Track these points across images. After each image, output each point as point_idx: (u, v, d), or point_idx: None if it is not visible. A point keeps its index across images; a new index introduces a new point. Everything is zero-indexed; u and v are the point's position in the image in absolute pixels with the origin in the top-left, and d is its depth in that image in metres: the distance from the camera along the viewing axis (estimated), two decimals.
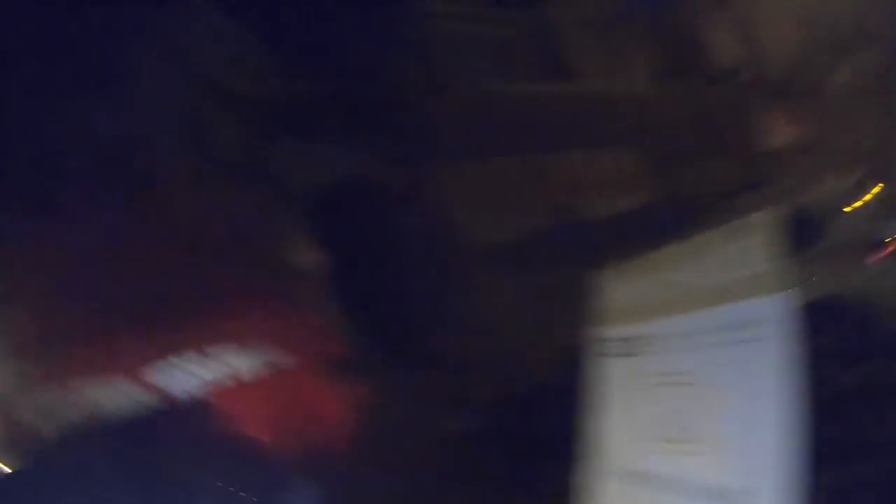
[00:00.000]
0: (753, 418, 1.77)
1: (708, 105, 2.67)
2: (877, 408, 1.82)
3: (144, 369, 2.81)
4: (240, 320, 3.15)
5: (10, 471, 2.48)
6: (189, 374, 2.86)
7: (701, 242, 2.04)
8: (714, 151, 2.70)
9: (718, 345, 1.93)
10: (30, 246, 2.60)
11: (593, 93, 3.10)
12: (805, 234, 1.82)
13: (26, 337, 2.73)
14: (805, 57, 2.54)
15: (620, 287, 2.41)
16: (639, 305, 2.34)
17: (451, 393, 3.52)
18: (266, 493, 2.73)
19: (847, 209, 1.95)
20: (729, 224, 1.92)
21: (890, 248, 1.88)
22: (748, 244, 1.86)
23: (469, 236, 3.38)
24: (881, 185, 1.93)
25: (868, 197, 1.95)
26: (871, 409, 1.84)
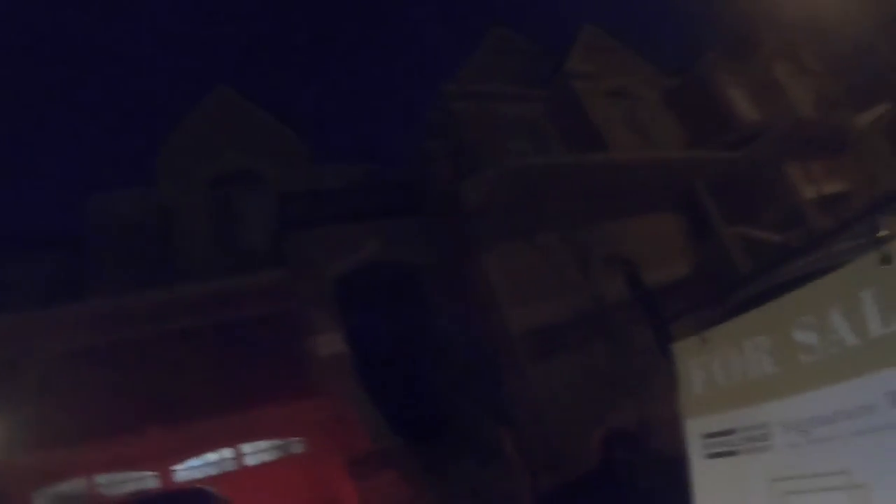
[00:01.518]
0: None
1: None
2: None
3: (173, 459, 6.68)
4: (269, 412, 7.12)
5: None
6: (214, 465, 6.74)
7: (828, 288, 1.86)
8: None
9: (888, 427, 1.64)
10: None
11: (630, 163, 9.34)
12: None
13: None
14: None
15: (712, 362, 2.20)
16: (743, 385, 2.07)
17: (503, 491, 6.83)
18: None
19: None
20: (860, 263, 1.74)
21: None
22: None
23: (516, 323, 7.45)
24: None
25: None
26: None
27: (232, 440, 9.40)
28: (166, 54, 43.11)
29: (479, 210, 9.51)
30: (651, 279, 9.46)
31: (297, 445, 9.72)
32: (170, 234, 11.91)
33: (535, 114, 13.22)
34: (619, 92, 14.35)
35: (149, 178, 12.66)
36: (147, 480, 8.73)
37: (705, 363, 2.24)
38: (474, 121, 12.08)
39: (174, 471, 8.99)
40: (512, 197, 9.68)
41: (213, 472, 9.13)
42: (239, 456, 9.45)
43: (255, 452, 9.54)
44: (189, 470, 9.07)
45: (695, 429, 2.29)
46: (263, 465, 9.49)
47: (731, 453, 2.16)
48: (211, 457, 9.29)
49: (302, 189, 11.42)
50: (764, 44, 17.05)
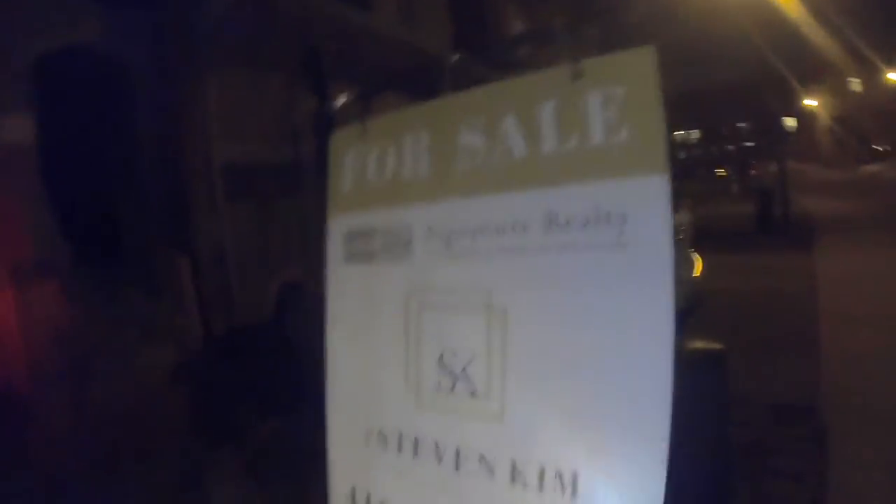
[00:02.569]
0: (596, 363, 1.42)
1: None
2: None
3: None
4: None
5: None
6: None
7: (508, 92, 1.67)
8: None
9: (545, 248, 1.52)
10: None
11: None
12: None
13: None
14: None
15: (368, 155, 1.96)
16: (394, 183, 1.89)
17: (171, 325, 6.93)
18: None
19: None
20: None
21: None
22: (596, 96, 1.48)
23: (219, 155, 7.09)
24: None
25: None
26: None
27: None
28: None
29: (215, 26, 8.69)
30: None
31: None
32: None
33: None
34: None
35: None
36: None
37: (360, 156, 1.97)
38: None
39: None
40: (253, 23, 8.96)
41: None
42: None
43: None
44: None
45: (336, 228, 2.05)
46: None
47: (370, 258, 1.95)
48: None
49: None
50: None
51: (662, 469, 1.31)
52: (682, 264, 6.94)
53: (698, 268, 7.62)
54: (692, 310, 6.71)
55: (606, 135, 1.47)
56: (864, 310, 8.60)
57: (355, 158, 1.97)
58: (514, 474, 1.56)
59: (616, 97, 1.46)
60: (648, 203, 1.38)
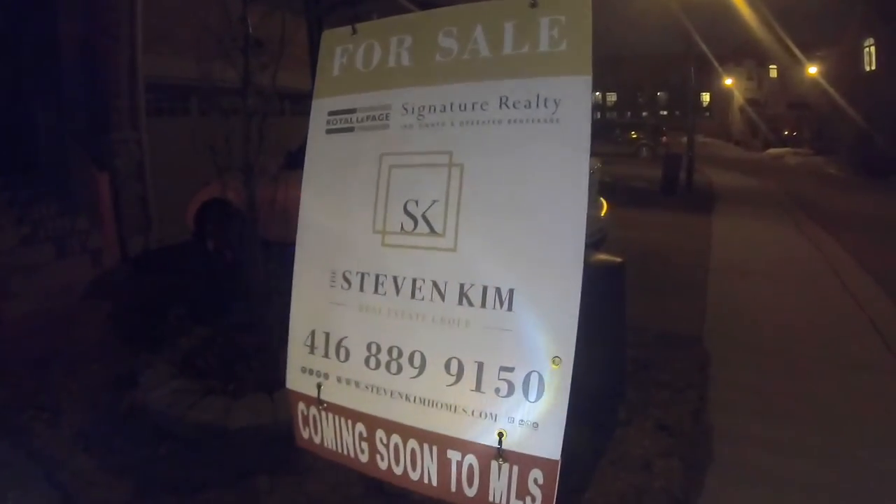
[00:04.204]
0: (537, 214, 1.94)
1: None
2: None
3: None
4: None
5: None
6: None
7: (479, 11, 2.15)
8: None
9: (499, 121, 2.03)
10: None
11: None
12: None
13: None
14: None
15: (356, 50, 2.37)
16: (378, 72, 2.30)
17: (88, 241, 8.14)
18: None
19: None
20: None
21: None
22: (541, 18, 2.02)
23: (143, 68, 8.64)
24: None
25: None
26: None
27: None
28: None
29: None
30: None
31: None
32: None
33: None
34: None
35: None
36: None
37: (349, 50, 2.36)
38: None
39: None
40: None
41: None
42: None
43: None
44: None
45: (321, 108, 2.42)
46: None
47: (349, 130, 2.33)
48: None
49: None
50: None
51: (577, 288, 1.83)
52: (592, 204, 7.64)
53: (604, 209, 8.37)
54: (598, 243, 7.47)
55: (550, 46, 2.01)
56: (743, 265, 9.72)
57: (343, 52, 2.37)
58: (462, 296, 2.02)
59: (560, 21, 2.00)
60: (576, 93, 1.94)
